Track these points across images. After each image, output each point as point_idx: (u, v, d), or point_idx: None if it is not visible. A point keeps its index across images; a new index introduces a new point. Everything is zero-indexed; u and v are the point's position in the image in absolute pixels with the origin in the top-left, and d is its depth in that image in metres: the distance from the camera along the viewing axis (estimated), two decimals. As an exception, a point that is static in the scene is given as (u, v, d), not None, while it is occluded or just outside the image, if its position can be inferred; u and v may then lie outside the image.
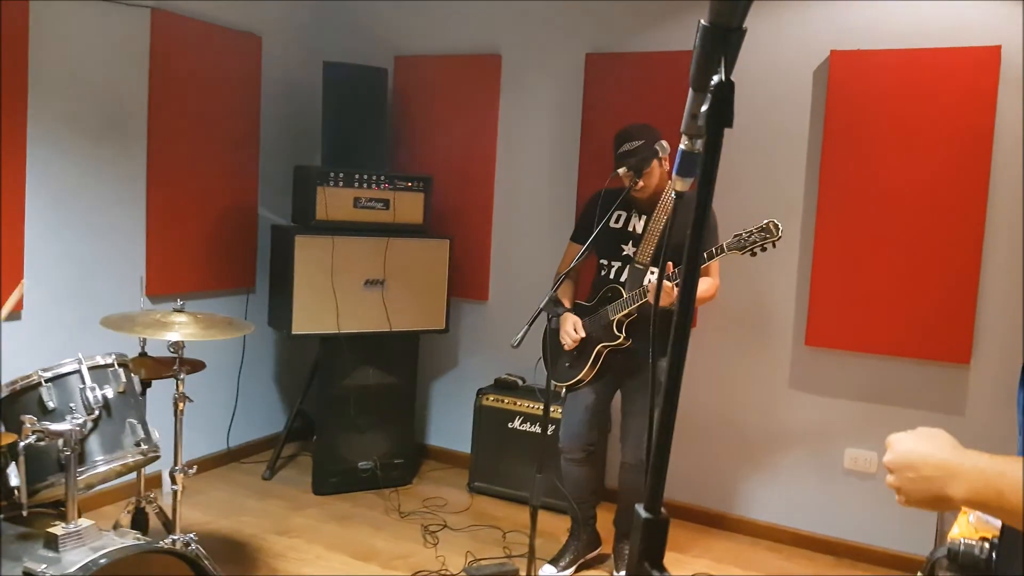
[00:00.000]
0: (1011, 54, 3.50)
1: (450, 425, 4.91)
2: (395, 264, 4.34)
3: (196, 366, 3.08)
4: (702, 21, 0.84)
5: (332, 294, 4.19)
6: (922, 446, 1.08)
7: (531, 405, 4.29)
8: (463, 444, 4.70)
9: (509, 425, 4.34)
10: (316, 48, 4.86)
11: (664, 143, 3.21)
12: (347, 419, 4.36)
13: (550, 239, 4.51)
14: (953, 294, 3.63)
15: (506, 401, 4.37)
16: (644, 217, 3.37)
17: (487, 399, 4.41)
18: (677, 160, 0.97)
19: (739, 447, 4.16)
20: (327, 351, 4.34)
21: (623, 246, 3.40)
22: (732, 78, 0.82)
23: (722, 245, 3.00)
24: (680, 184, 1.00)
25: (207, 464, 4.45)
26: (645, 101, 4.14)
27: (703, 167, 0.82)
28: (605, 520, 3.71)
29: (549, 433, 4.10)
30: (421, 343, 4.67)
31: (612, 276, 3.41)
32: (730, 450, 4.18)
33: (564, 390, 3.48)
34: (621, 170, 3.21)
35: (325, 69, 4.33)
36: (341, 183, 4.21)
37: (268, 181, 4.74)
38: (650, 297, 3.14)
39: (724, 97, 0.80)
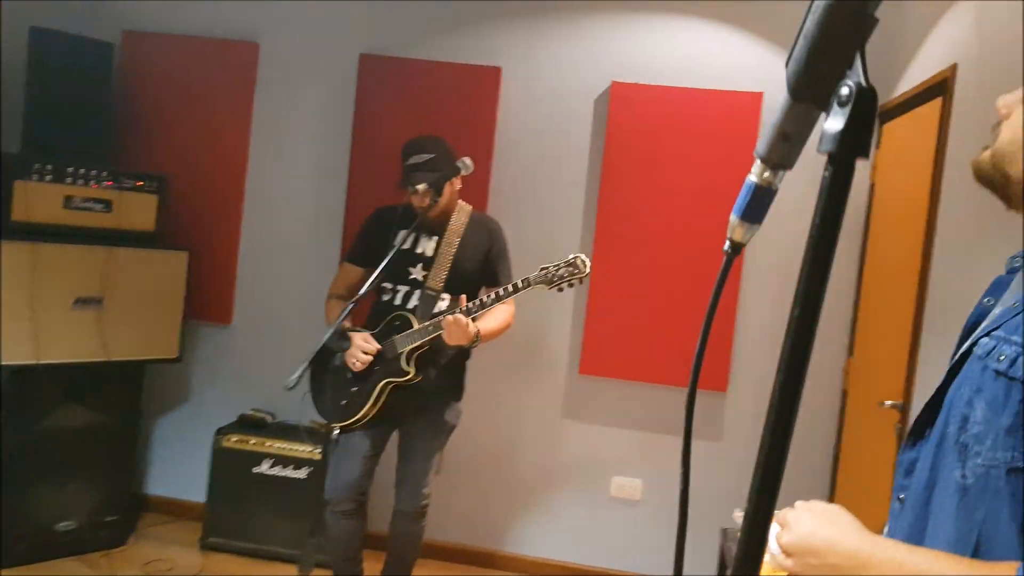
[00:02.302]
0: (772, 100, 3.71)
1: (178, 471, 4.20)
2: (117, 279, 3.59)
3: None
4: (820, -6, 0.56)
5: (30, 314, 3.35)
6: (825, 529, 0.98)
7: (283, 446, 3.77)
8: (194, 493, 4.05)
9: (255, 469, 3.77)
10: (21, 9, 3.91)
11: (467, 160, 2.95)
12: (44, 469, 3.53)
13: (309, 254, 4.06)
14: (714, 325, 3.74)
15: (252, 442, 3.79)
16: (435, 238, 3.07)
17: (228, 440, 3.80)
18: (745, 198, 0.68)
19: (510, 481, 3.99)
20: (19, 386, 3.46)
21: (411, 269, 3.06)
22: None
23: (528, 279, 2.81)
24: (741, 231, 0.70)
25: None
26: (425, 111, 3.88)
27: (826, 214, 0.53)
28: (370, 570, 3.32)
29: (304, 477, 3.71)
30: (147, 374, 3.92)
31: (398, 302, 3.05)
32: (501, 484, 4.00)
33: (336, 432, 3.03)
34: (421, 186, 2.87)
35: (32, 36, 3.50)
36: (48, 177, 3.40)
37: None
38: (445, 335, 2.84)
39: (866, 112, 0.53)
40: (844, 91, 0.54)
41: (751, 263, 3.75)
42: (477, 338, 2.87)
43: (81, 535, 3.62)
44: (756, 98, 3.70)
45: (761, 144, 0.65)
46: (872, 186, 3.56)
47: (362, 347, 2.95)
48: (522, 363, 3.96)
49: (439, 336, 2.88)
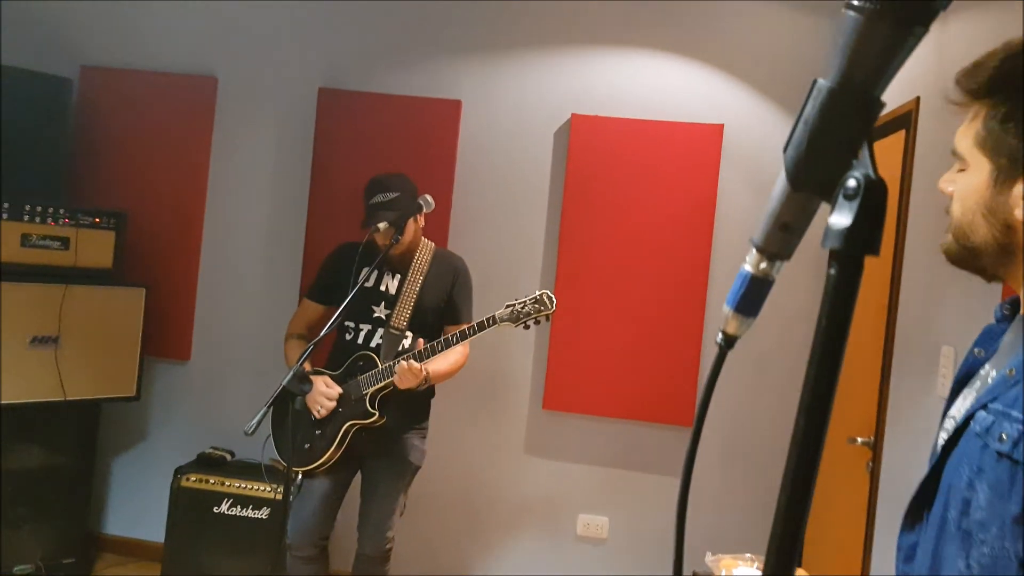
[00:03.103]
0: (732, 132, 3.72)
1: (137, 510, 4.07)
2: (74, 317, 3.50)
3: None
4: (823, 82, 0.53)
5: (-17, 355, 3.25)
6: None
7: (242, 485, 3.66)
8: (154, 532, 3.92)
9: (215, 509, 3.65)
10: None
11: (428, 198, 2.92)
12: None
13: (269, 290, 3.98)
14: (680, 358, 3.73)
15: (212, 481, 3.68)
16: (398, 276, 3.02)
17: (187, 479, 3.68)
18: (739, 289, 0.64)
19: (474, 519, 3.91)
20: (-29, 428, 3.35)
21: (374, 307, 3.00)
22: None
23: (494, 316, 2.78)
24: (735, 324, 0.66)
25: None
26: (385, 145, 3.83)
27: (832, 317, 0.50)
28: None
29: (265, 518, 3.59)
30: (103, 413, 3.81)
31: (361, 341, 2.99)
32: (464, 523, 3.91)
33: (299, 476, 2.95)
34: (382, 225, 2.83)
35: (-13, 72, 3.43)
36: (4, 215, 3.32)
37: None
38: (396, 380, 2.80)
39: (876, 208, 0.50)
40: (851, 183, 0.51)
41: (716, 295, 3.75)
42: (426, 380, 2.83)
43: (36, 580, 3.49)
44: (717, 130, 3.71)
45: (757, 233, 0.61)
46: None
47: (324, 393, 2.88)
48: (484, 399, 3.89)
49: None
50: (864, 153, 0.51)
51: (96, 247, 3.59)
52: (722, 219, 3.72)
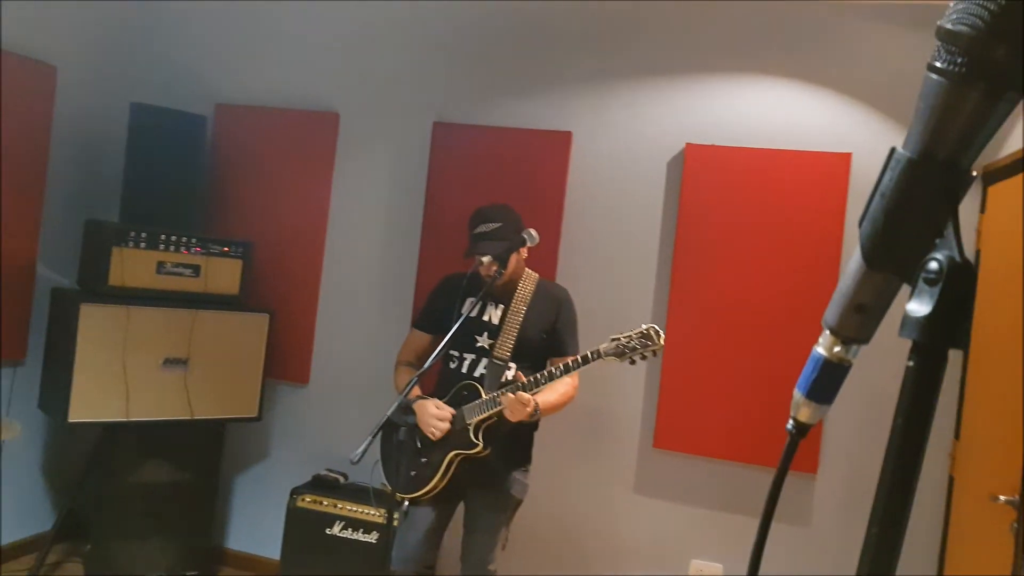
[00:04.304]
0: (861, 162, 3.50)
1: (256, 526, 4.22)
2: (203, 341, 3.70)
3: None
4: (901, 151, 0.47)
5: (122, 375, 3.49)
6: None
7: (354, 508, 3.74)
8: (271, 549, 4.04)
9: (328, 531, 3.75)
10: (122, 86, 4.14)
11: (533, 232, 2.91)
12: (130, 522, 3.65)
13: (383, 318, 4.07)
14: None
15: (325, 503, 3.78)
16: (501, 306, 3.02)
17: (303, 500, 3.80)
18: (811, 373, 0.58)
19: (579, 558, 3.81)
20: (109, 442, 3.61)
21: (478, 337, 3.01)
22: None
23: (599, 350, 2.72)
24: (807, 412, 0.60)
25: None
26: (496, 176, 3.86)
27: (911, 415, 0.44)
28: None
29: (375, 542, 3.65)
30: (227, 432, 3.99)
31: (465, 370, 3.00)
32: (569, 562, 3.82)
33: (405, 503, 2.98)
34: (486, 258, 2.84)
35: (132, 111, 3.71)
36: (143, 244, 3.57)
37: (52, 235, 3.93)
38: (507, 413, 2.78)
39: (961, 295, 0.44)
40: (933, 266, 0.45)
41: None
42: (536, 412, 2.79)
43: (163, 589, 3.69)
44: (844, 159, 3.50)
45: (831, 313, 0.55)
46: (978, 253, 3.32)
47: (435, 415, 2.89)
48: (592, 435, 3.80)
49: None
50: (949, 232, 0.45)
51: (224, 275, 3.79)
52: (850, 253, 3.50)
